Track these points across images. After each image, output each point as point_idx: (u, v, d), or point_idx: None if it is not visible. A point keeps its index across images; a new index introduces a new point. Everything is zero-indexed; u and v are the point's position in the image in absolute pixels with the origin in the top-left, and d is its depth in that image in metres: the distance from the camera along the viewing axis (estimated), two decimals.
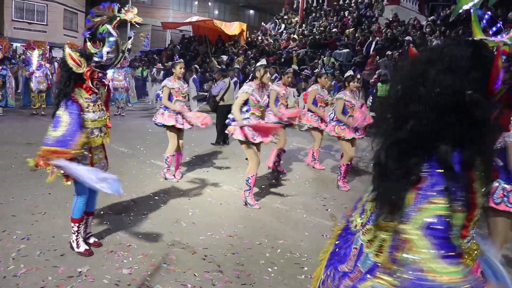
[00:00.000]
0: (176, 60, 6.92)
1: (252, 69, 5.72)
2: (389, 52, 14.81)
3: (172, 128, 6.54)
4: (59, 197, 5.36)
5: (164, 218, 5.10)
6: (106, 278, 3.61)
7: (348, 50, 17.40)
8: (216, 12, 38.57)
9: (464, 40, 1.45)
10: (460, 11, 1.73)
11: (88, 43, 3.92)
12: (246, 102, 5.49)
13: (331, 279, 1.63)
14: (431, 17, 19.70)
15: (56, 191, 5.47)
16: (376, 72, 13.97)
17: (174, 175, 6.75)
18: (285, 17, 25.98)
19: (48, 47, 14.39)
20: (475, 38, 1.52)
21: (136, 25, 4.38)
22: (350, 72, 7.15)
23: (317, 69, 12.55)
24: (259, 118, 5.56)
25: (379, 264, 1.52)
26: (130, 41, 4.14)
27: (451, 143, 1.40)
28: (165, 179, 6.66)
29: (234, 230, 4.85)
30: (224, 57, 20.81)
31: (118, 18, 3.94)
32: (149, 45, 33.87)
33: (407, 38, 15.92)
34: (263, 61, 5.71)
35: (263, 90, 5.60)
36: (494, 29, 1.59)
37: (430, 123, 1.41)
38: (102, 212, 5.06)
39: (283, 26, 24.61)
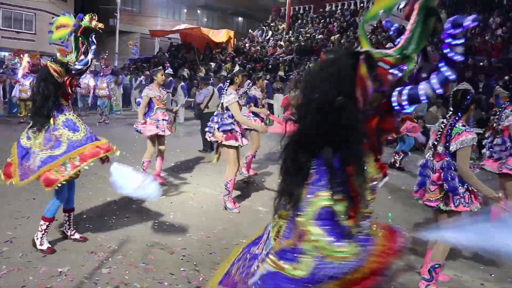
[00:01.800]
0: (167, 68, 7.12)
1: (229, 74, 5.95)
2: None
3: (152, 135, 6.71)
4: (44, 202, 5.47)
5: (145, 220, 5.24)
6: (85, 277, 3.75)
7: None
8: (205, 19, 38.80)
9: (350, 51, 1.63)
10: (370, 20, 1.90)
11: (58, 53, 4.13)
12: (227, 108, 5.68)
13: (243, 259, 1.81)
14: None
15: (41, 196, 5.58)
16: None
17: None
18: (272, 24, 26.27)
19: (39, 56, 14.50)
20: (360, 50, 1.68)
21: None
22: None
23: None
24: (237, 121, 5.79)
25: (272, 248, 1.72)
26: (93, 47, 4.35)
27: (332, 143, 1.59)
28: None
29: (213, 232, 5.00)
30: (212, 64, 21.00)
31: (82, 26, 4.20)
32: (138, 53, 34.00)
33: (389, 44, 16.19)
34: (237, 67, 5.94)
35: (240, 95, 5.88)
36: (398, 40, 1.76)
37: (314, 125, 1.60)
38: (85, 216, 5.20)
39: (270, 33, 24.88)
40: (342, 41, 18.56)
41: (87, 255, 4.18)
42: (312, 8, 25.48)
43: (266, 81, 12.12)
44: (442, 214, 3.80)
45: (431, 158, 3.81)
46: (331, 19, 22.23)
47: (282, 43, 21.54)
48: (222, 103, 5.73)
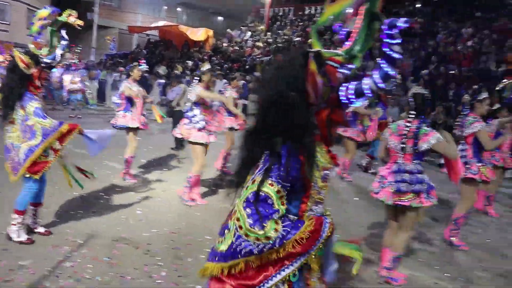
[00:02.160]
0: (142, 64, 7.16)
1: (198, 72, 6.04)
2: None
3: (134, 130, 6.76)
4: (10, 195, 5.44)
5: (112, 216, 5.27)
6: (48, 271, 3.76)
7: None
8: (185, 17, 38.64)
9: (302, 51, 1.78)
10: (323, 24, 2.05)
11: (31, 45, 4.15)
12: (197, 104, 5.78)
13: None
14: None
15: (6, 189, 5.54)
16: None
17: (133, 176, 6.96)
18: (251, 25, 26.38)
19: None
20: (312, 49, 1.83)
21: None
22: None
23: None
24: (206, 118, 5.89)
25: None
26: (64, 42, 4.38)
27: (286, 135, 1.74)
28: (124, 180, 6.84)
29: (179, 228, 5.06)
30: (189, 63, 20.97)
31: (60, 22, 4.23)
32: (116, 49, 33.64)
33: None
34: (208, 65, 6.01)
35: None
36: (347, 43, 1.91)
37: (270, 119, 1.76)
38: (51, 210, 5.19)
39: (248, 33, 24.98)
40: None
41: (51, 249, 4.19)
42: (292, 11, 25.69)
43: (243, 82, 12.22)
44: (404, 212, 4.02)
45: (403, 162, 3.98)
46: (310, 22, 22.46)
47: (260, 44, 21.67)
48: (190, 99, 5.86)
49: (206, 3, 36.42)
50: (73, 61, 15.14)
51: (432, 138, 3.84)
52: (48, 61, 4.18)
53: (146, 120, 6.89)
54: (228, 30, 28.04)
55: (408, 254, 4.94)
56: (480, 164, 5.21)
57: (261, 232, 1.69)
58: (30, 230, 4.48)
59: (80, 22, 4.45)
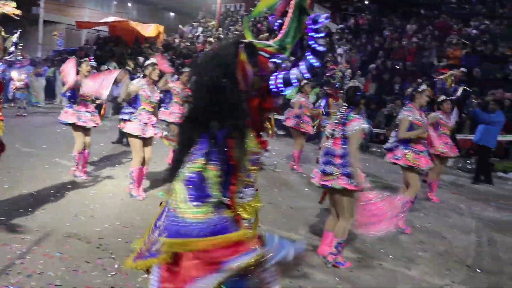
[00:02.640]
0: (91, 60, 7.08)
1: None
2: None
3: (77, 127, 6.65)
4: None
5: (63, 212, 5.22)
6: None
7: None
8: (135, 13, 37.91)
9: (235, 41, 1.91)
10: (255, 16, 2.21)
11: None
12: (136, 98, 5.86)
13: (152, 231, 2.02)
14: (340, 25, 20.97)
15: None
16: None
17: (83, 173, 6.87)
18: (202, 20, 26.29)
19: None
20: (244, 40, 1.97)
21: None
22: None
23: None
24: (151, 113, 5.95)
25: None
26: (15, 36, 4.29)
27: (219, 119, 1.85)
28: (75, 176, 6.75)
29: (131, 222, 5.09)
30: (141, 59, 20.65)
31: None
32: (64, 45, 32.56)
33: None
34: (152, 60, 6.05)
35: (154, 87, 5.99)
36: (279, 34, 2.06)
37: (204, 104, 1.88)
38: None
39: (200, 29, 24.88)
40: (270, 40, 18.97)
41: (0, 247, 4.13)
42: (243, 7, 25.80)
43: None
44: (336, 197, 4.25)
45: (332, 146, 4.19)
46: (260, 18, 22.64)
47: (212, 39, 21.64)
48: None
49: None
50: (18, 58, 14.60)
51: (356, 124, 4.07)
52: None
53: (90, 117, 6.73)
54: (180, 26, 27.80)
55: (354, 239, 5.20)
56: (406, 151, 5.50)
57: (196, 210, 1.75)
58: None
59: (18, 12, 4.29)
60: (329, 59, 15.91)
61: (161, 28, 24.72)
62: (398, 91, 13.80)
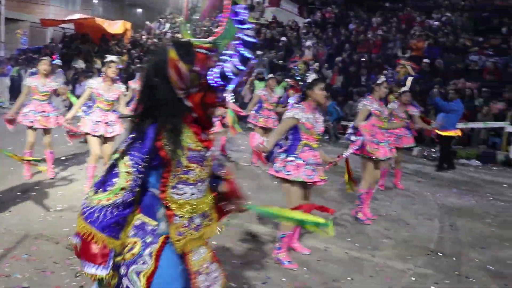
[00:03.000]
0: (56, 58, 7.02)
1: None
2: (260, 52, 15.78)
3: (29, 126, 6.60)
4: None
5: (30, 214, 5.17)
6: None
7: None
8: (101, 10, 37.24)
9: (172, 40, 1.99)
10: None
11: None
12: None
13: None
14: (307, 19, 21.16)
15: None
16: (255, 71, 14.75)
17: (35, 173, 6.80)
18: (170, 16, 26.07)
19: None
20: (182, 39, 2.04)
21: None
22: None
23: None
24: (106, 111, 6.02)
25: None
26: None
27: (153, 117, 1.93)
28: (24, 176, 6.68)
29: None
30: (109, 56, 20.36)
31: None
32: (28, 43, 31.74)
33: (283, 38, 16.98)
34: (110, 57, 6.06)
35: (112, 85, 6.03)
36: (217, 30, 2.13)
37: (142, 102, 1.98)
38: None
39: (167, 25, 24.68)
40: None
41: None
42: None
43: None
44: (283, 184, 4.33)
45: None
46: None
47: (179, 35, 21.52)
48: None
49: None
50: None
51: (288, 112, 4.18)
52: None
53: (38, 118, 6.58)
54: (147, 22, 27.50)
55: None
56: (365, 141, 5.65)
57: (93, 195, 1.88)
58: None
59: None
60: (297, 53, 16.09)
61: (128, 24, 24.42)
62: (364, 83, 14.06)
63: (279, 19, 20.59)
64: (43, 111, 6.60)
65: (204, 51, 1.96)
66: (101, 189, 1.87)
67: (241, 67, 1.89)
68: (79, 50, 23.12)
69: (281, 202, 4.34)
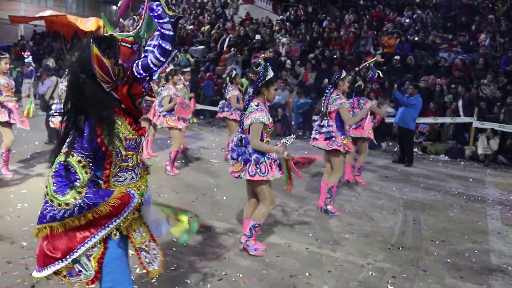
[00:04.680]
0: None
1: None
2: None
3: (5, 123, 6.51)
4: None
5: None
6: None
7: (203, 46, 17.99)
8: (74, 6, 36.65)
9: (94, 36, 2.01)
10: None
11: None
12: None
13: None
14: (280, 16, 21.19)
15: None
16: (227, 67, 14.73)
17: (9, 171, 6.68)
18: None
19: None
20: (106, 34, 2.08)
21: None
22: (172, 67, 7.63)
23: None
24: None
25: None
26: None
27: (85, 112, 2.01)
28: (1, 174, 6.56)
29: None
30: None
31: None
32: None
33: (257, 36, 16.98)
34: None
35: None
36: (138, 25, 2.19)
37: (71, 99, 2.05)
38: None
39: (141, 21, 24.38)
40: (212, 32, 18.95)
41: None
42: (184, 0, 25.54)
43: None
44: (249, 185, 4.40)
45: (239, 136, 4.32)
46: (202, 11, 22.52)
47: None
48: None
49: None
50: None
51: (250, 119, 4.16)
52: None
53: (13, 115, 6.55)
54: (120, 19, 27.16)
55: (286, 225, 5.35)
56: (343, 137, 5.73)
57: (62, 198, 1.93)
58: None
59: None
60: (271, 49, 16.11)
61: (101, 22, 23.98)
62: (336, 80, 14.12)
63: (253, 16, 20.57)
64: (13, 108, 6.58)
65: (127, 45, 2.04)
66: (68, 189, 1.94)
67: (162, 59, 1.99)
68: (51, 48, 22.72)
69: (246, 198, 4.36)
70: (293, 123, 13.27)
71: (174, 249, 4.37)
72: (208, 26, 19.85)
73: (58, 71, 17.76)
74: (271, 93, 4.34)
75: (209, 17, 21.30)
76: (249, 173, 4.18)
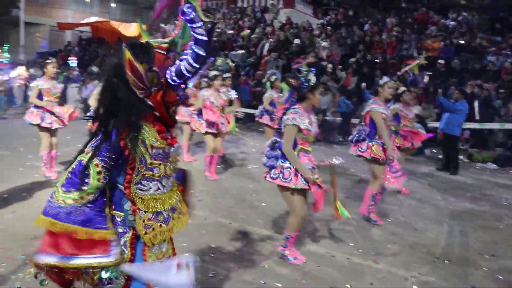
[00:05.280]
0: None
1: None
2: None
3: (42, 127, 6.66)
4: None
5: (31, 214, 5.12)
6: None
7: (243, 51, 18.03)
8: (118, 13, 37.65)
9: (130, 42, 1.98)
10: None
11: None
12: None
13: None
14: (320, 21, 21.00)
15: None
16: (267, 72, 14.66)
17: (53, 172, 6.87)
18: None
19: None
20: (141, 41, 2.05)
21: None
22: (214, 72, 7.58)
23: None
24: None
25: None
26: None
27: (115, 116, 1.98)
28: (45, 177, 6.75)
29: None
30: None
31: None
32: (47, 46, 32.27)
33: (296, 40, 16.87)
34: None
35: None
36: (175, 31, 2.15)
37: (105, 102, 2.04)
38: None
39: None
40: (252, 36, 18.96)
41: None
42: (225, 4, 25.71)
43: None
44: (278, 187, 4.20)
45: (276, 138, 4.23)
46: (242, 15, 22.61)
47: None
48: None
49: None
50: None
51: (288, 118, 4.04)
52: None
53: (55, 119, 6.72)
54: (162, 24, 27.65)
55: (326, 233, 5.21)
56: (371, 143, 5.51)
57: (63, 195, 1.94)
58: None
59: None
60: (311, 54, 15.94)
61: (144, 27, 24.56)
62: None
63: (294, 21, 20.46)
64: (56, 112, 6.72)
65: (162, 51, 2.02)
66: (73, 189, 1.94)
67: (196, 65, 1.92)
68: (96, 53, 23.37)
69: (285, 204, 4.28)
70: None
71: (212, 255, 4.33)
72: (248, 31, 19.89)
73: (100, 76, 18.32)
74: (316, 97, 4.23)
75: (249, 22, 21.34)
76: (271, 175, 4.10)
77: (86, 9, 35.64)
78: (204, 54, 1.90)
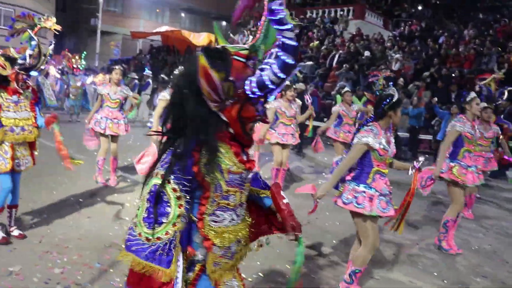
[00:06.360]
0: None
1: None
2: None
3: (100, 133, 6.75)
4: None
5: (105, 221, 5.23)
6: (37, 277, 3.72)
7: (312, 62, 17.81)
8: (188, 22, 38.72)
9: (204, 47, 1.68)
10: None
11: (12, 49, 4.16)
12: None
13: None
14: (393, 32, 20.39)
15: None
16: (337, 84, 14.34)
17: (107, 179, 6.95)
18: (253, 29, 26.35)
19: None
20: (217, 46, 1.78)
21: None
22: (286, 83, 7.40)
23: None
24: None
25: None
26: (51, 47, 4.41)
27: (185, 134, 1.70)
28: (96, 182, 6.82)
29: None
30: None
31: (38, 26, 4.23)
32: (120, 54, 33.77)
33: (366, 52, 16.44)
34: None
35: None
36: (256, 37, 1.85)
37: (172, 116, 1.77)
38: (45, 216, 5.17)
39: (251, 37, 24.90)
40: (321, 48, 18.72)
41: (42, 254, 4.15)
42: (293, 14, 25.65)
43: None
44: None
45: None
46: (312, 25, 22.43)
47: None
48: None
49: (208, 8, 36.49)
50: (77, 66, 15.36)
51: (361, 136, 3.63)
52: (21, 61, 4.18)
53: (110, 124, 6.74)
54: (230, 34, 28.04)
55: (407, 261, 4.86)
56: (452, 164, 5.10)
57: (144, 229, 1.63)
58: (8, 234, 4.48)
59: (57, 27, 4.41)
60: (382, 66, 15.44)
61: (213, 37, 24.76)
62: (454, 100, 13.13)
63: (364, 32, 20.02)
64: (115, 118, 6.78)
65: (241, 59, 1.72)
66: (155, 224, 1.63)
67: (282, 75, 1.62)
68: (165, 61, 24.06)
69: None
70: None
71: (280, 279, 4.11)
72: (317, 42, 19.68)
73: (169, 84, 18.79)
74: (398, 116, 3.73)
75: (318, 33, 21.12)
76: (343, 200, 3.72)
77: (157, 18, 36.98)
78: (292, 62, 1.60)
